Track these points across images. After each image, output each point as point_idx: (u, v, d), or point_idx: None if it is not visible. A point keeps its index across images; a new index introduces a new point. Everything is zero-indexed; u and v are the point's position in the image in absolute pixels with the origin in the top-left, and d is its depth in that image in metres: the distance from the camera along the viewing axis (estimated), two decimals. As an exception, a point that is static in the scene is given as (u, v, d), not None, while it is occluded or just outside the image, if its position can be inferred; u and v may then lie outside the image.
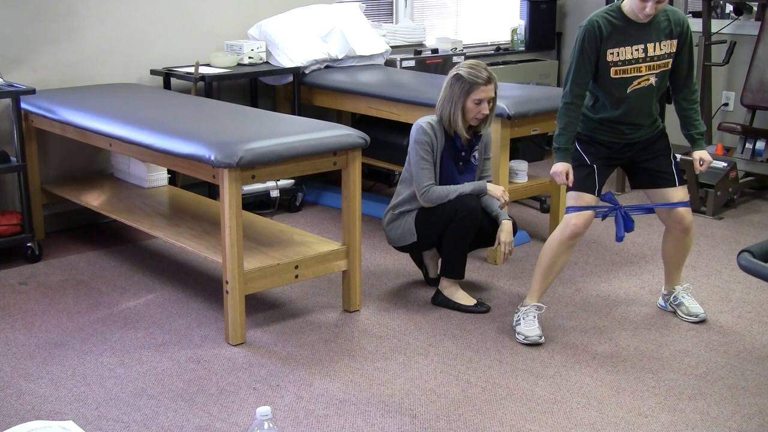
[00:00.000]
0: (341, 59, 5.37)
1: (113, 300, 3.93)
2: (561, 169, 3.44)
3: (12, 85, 4.29)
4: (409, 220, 3.84)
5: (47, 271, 4.27)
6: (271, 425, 2.29)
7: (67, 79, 4.77)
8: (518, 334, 3.51)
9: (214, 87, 4.90)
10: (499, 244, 3.79)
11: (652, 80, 3.45)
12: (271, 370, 3.29)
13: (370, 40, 5.52)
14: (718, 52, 5.85)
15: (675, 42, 3.45)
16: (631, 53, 3.39)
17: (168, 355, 3.41)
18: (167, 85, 5.00)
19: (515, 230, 3.85)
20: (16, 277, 4.18)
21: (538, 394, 3.12)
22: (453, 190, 3.74)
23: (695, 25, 6.08)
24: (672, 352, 3.47)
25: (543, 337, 3.50)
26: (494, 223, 3.83)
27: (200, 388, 3.15)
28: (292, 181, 5.14)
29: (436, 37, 6.32)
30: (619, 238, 3.62)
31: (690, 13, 6.38)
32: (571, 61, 3.43)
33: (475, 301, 3.85)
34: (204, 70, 4.93)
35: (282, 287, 3.95)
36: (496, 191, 3.80)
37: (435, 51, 5.85)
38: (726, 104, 6.22)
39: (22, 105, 4.31)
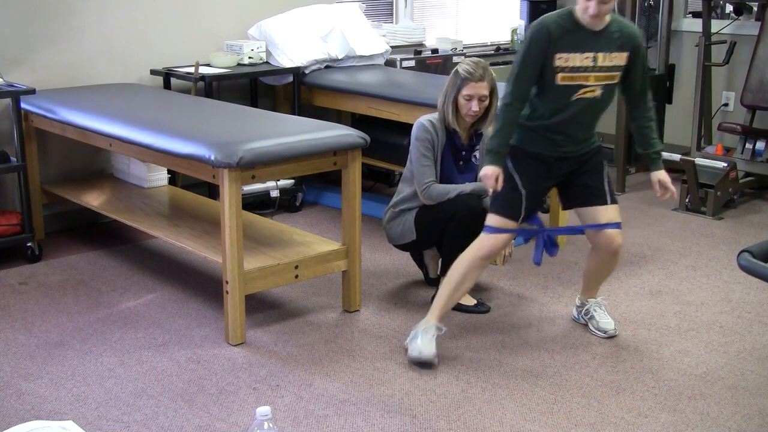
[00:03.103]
0: (341, 59, 5.37)
1: (113, 300, 3.93)
2: (490, 172, 3.28)
3: (12, 85, 4.28)
4: (409, 219, 3.84)
5: (47, 271, 4.27)
6: (270, 425, 2.29)
7: (67, 79, 4.77)
8: (412, 349, 3.32)
9: (214, 87, 4.90)
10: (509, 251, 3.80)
11: (598, 92, 3.31)
12: (271, 370, 3.29)
13: (370, 40, 5.52)
14: (718, 53, 5.85)
15: (626, 55, 3.31)
16: (581, 60, 3.25)
17: (168, 355, 3.41)
18: (167, 85, 4.99)
19: (515, 230, 3.85)
20: (16, 277, 4.18)
21: (537, 394, 3.12)
22: (453, 189, 3.74)
23: (695, 25, 6.11)
24: (672, 352, 3.47)
25: (437, 359, 3.31)
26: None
27: (200, 388, 3.15)
28: (292, 181, 5.14)
29: (436, 37, 6.32)
30: (537, 262, 3.50)
31: (690, 13, 6.40)
32: (515, 62, 3.31)
33: (475, 301, 3.86)
34: (204, 70, 4.93)
35: (282, 287, 3.95)
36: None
37: (435, 51, 5.85)
38: (726, 104, 6.21)
39: (22, 105, 4.31)
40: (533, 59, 3.26)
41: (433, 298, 3.88)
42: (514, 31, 6.83)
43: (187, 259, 4.44)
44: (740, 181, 5.43)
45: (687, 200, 5.33)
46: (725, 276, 4.27)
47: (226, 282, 3.42)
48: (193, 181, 4.62)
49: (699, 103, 5.81)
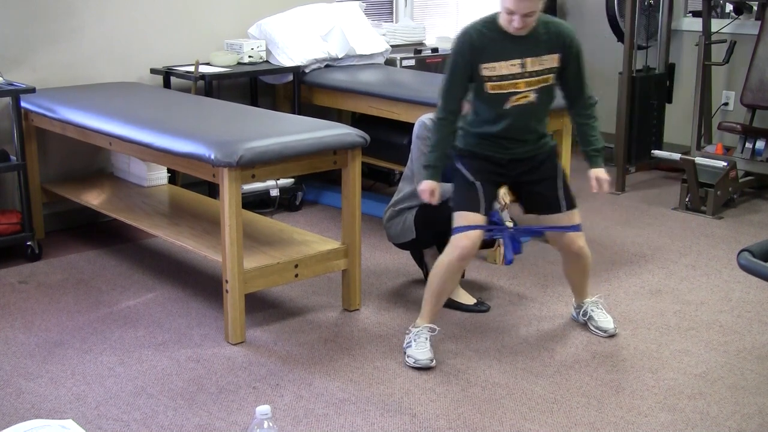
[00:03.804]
0: (341, 58, 5.37)
1: (113, 299, 3.93)
2: (426, 187, 3.27)
3: (12, 84, 4.28)
4: (409, 218, 3.84)
5: (47, 270, 4.27)
6: (270, 424, 2.29)
7: (68, 78, 4.77)
8: (408, 357, 3.31)
9: (214, 86, 4.90)
10: (499, 245, 3.79)
11: (532, 97, 3.25)
12: (270, 369, 3.29)
13: (370, 39, 5.52)
14: (718, 52, 5.85)
15: (557, 56, 3.24)
16: (507, 68, 3.19)
17: (168, 354, 3.41)
18: (167, 84, 4.99)
19: (515, 230, 3.85)
20: (16, 276, 4.18)
21: (537, 394, 3.12)
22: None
23: (695, 24, 6.11)
24: (671, 351, 3.47)
25: (434, 361, 3.29)
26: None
27: (200, 387, 3.15)
28: (292, 180, 5.14)
29: (436, 36, 6.32)
30: (508, 261, 3.48)
31: (690, 12, 6.39)
32: (444, 76, 3.26)
33: (475, 301, 3.86)
34: (204, 69, 4.93)
35: (282, 286, 3.95)
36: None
37: (435, 50, 5.85)
38: (726, 104, 6.21)
39: (22, 104, 4.31)
40: (460, 71, 3.22)
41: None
42: (514, 31, 6.83)
43: (187, 258, 4.44)
44: (740, 180, 5.43)
45: (687, 199, 5.33)
46: (725, 275, 4.27)
47: (226, 281, 3.42)
48: (193, 180, 4.62)
49: (699, 102, 5.80)
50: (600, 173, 3.38)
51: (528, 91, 3.24)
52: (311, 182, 5.40)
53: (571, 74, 3.32)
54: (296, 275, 3.62)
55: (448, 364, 3.34)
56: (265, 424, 2.28)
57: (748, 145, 5.54)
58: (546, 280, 4.20)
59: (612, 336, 3.57)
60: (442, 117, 3.27)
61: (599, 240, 4.77)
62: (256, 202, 5.06)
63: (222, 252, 3.42)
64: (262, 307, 3.85)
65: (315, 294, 4.00)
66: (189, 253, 4.39)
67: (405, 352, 3.35)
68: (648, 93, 5.92)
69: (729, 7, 6.23)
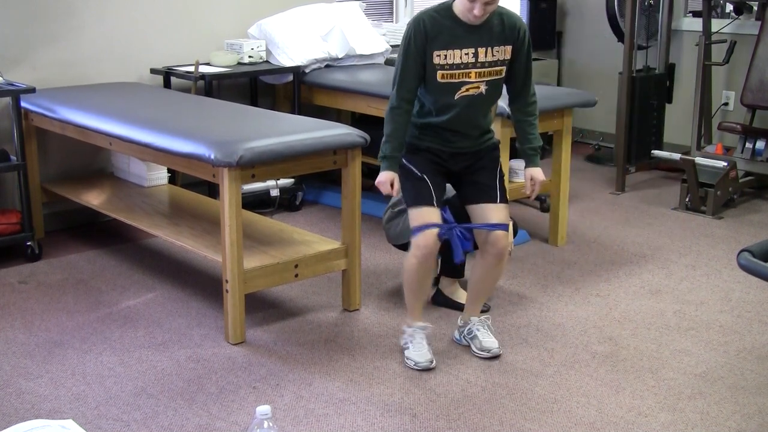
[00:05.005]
0: (341, 58, 5.37)
1: (113, 299, 3.93)
2: (385, 178, 3.19)
3: (12, 84, 4.28)
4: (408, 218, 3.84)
5: (47, 270, 4.27)
6: (270, 424, 2.29)
7: (67, 78, 4.77)
8: (408, 359, 3.29)
9: (214, 86, 4.90)
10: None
11: (482, 88, 3.20)
12: (270, 369, 3.29)
13: (371, 39, 5.52)
14: (718, 52, 5.85)
15: (509, 48, 3.19)
16: (460, 57, 3.13)
17: (168, 354, 3.41)
18: (167, 84, 4.99)
19: (516, 230, 3.85)
20: (16, 276, 4.18)
21: (537, 394, 3.12)
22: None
23: (695, 24, 6.11)
24: (671, 351, 3.47)
25: (434, 362, 3.27)
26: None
27: (200, 387, 3.15)
28: (292, 180, 5.14)
29: (436, 36, 6.31)
30: (459, 260, 3.40)
31: (690, 12, 6.39)
32: (396, 64, 3.18)
33: (474, 301, 3.84)
34: (204, 69, 4.93)
35: (282, 286, 3.95)
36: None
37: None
38: (726, 104, 6.21)
39: (22, 104, 4.31)
40: (413, 58, 3.15)
41: (432, 298, 3.90)
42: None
43: (186, 258, 4.44)
44: (740, 180, 5.43)
45: (687, 199, 5.33)
46: (725, 275, 4.27)
47: (226, 281, 3.42)
48: (193, 180, 4.62)
49: (699, 102, 5.80)
50: (536, 173, 3.35)
51: (479, 81, 3.19)
52: (311, 182, 5.40)
53: (519, 68, 3.26)
54: (296, 275, 3.62)
55: (448, 364, 3.34)
56: (265, 424, 2.28)
57: (748, 145, 5.54)
58: (546, 280, 4.20)
59: (496, 356, 3.37)
60: (395, 106, 3.19)
61: (599, 240, 4.77)
62: (256, 202, 5.06)
63: (222, 252, 3.42)
64: (262, 307, 3.85)
65: (315, 294, 4.00)
66: (189, 253, 4.39)
67: (404, 354, 3.35)
68: (648, 93, 5.92)
69: (729, 7, 6.23)
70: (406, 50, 3.16)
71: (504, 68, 3.23)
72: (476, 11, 3.05)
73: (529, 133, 3.35)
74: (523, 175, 3.41)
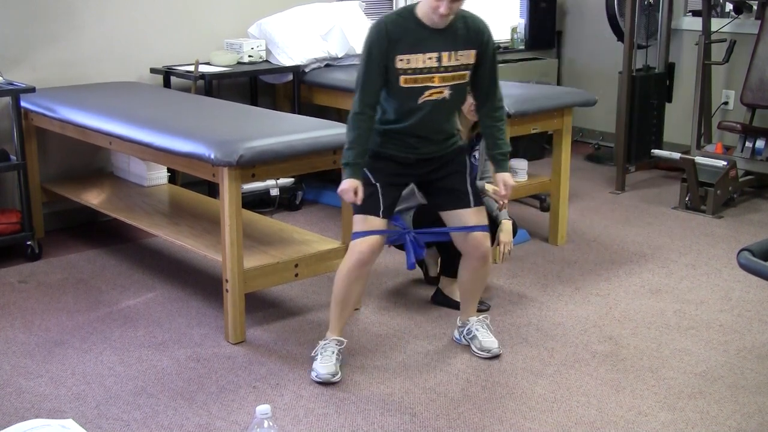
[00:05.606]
0: (341, 58, 5.37)
1: (113, 298, 3.93)
2: (348, 186, 3.08)
3: (12, 84, 4.28)
4: (408, 219, 3.84)
5: (47, 269, 4.27)
6: (270, 423, 2.29)
7: (67, 78, 4.77)
8: (312, 370, 3.21)
9: (214, 85, 4.90)
10: (498, 244, 3.79)
11: (446, 93, 3.12)
12: (270, 368, 3.29)
13: (370, 38, 5.51)
14: (717, 51, 5.85)
15: (474, 53, 3.12)
16: (423, 61, 3.05)
17: (168, 353, 3.41)
18: (167, 84, 4.99)
19: (515, 230, 3.85)
20: (16, 276, 4.18)
21: (537, 393, 3.12)
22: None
23: (695, 23, 6.11)
24: (671, 350, 3.47)
25: (338, 375, 3.17)
26: (494, 224, 3.82)
27: (200, 387, 3.15)
28: (292, 179, 5.14)
29: (436, 35, 6.31)
30: (410, 265, 3.37)
31: (690, 11, 6.40)
32: (359, 69, 3.11)
33: (474, 300, 3.84)
34: (204, 69, 4.93)
35: (282, 286, 3.95)
36: (495, 192, 3.77)
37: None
38: (726, 103, 6.21)
39: (22, 103, 4.31)
40: (375, 63, 3.06)
41: (432, 297, 3.90)
42: (514, 30, 6.83)
43: (186, 257, 4.44)
44: (740, 179, 5.43)
45: (687, 199, 5.33)
46: (725, 274, 4.27)
47: (226, 280, 3.42)
48: (192, 179, 4.62)
49: (699, 101, 5.81)
50: (507, 178, 3.27)
51: (442, 86, 3.11)
52: (311, 182, 5.40)
53: (484, 73, 3.18)
54: (296, 275, 3.62)
55: (448, 363, 3.34)
56: (265, 424, 2.28)
57: (748, 144, 5.54)
58: (546, 280, 4.20)
59: (496, 356, 3.37)
60: (359, 112, 3.10)
61: (599, 239, 4.77)
62: (256, 202, 5.06)
63: (222, 251, 3.42)
64: (262, 306, 3.85)
65: (315, 293, 4.00)
66: (189, 253, 4.39)
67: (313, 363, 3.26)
68: (648, 92, 5.92)
69: (729, 7, 6.24)
70: (368, 55, 3.08)
71: (468, 73, 3.16)
72: (442, 9, 2.97)
73: (498, 138, 3.27)
74: (497, 180, 3.32)
